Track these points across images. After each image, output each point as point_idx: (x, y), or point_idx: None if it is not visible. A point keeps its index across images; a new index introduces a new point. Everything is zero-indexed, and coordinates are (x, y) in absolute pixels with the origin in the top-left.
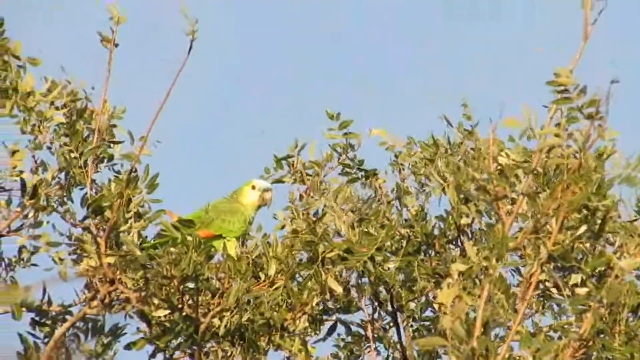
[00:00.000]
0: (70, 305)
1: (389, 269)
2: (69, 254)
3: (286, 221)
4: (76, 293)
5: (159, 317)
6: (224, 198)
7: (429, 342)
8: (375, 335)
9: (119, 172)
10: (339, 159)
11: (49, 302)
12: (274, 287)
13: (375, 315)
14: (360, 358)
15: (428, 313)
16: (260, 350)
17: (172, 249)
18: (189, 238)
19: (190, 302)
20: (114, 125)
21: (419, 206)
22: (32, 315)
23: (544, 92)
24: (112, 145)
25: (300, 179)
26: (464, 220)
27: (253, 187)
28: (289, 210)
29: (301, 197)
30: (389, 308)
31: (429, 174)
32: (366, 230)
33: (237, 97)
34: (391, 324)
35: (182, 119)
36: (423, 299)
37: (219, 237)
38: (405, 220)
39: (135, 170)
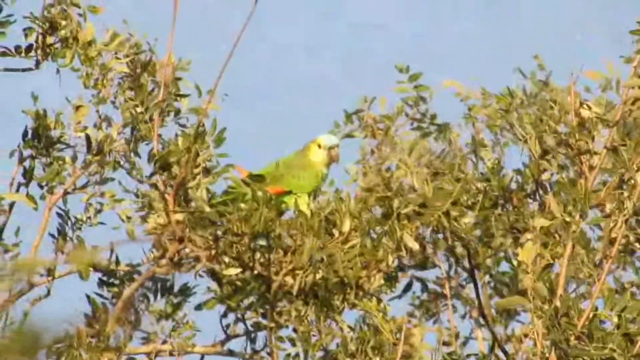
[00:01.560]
0: (138, 265)
1: (465, 224)
2: (136, 212)
3: (357, 176)
4: (144, 252)
5: (230, 275)
6: (293, 154)
7: (509, 302)
8: (452, 292)
9: (184, 126)
10: (407, 115)
11: (117, 262)
12: (348, 245)
13: (452, 272)
14: (437, 316)
15: (504, 267)
16: (334, 309)
17: (242, 205)
18: (259, 194)
19: (261, 260)
20: (179, 78)
21: (496, 159)
22: (100, 275)
23: (619, 49)
24: (178, 98)
25: (371, 134)
26: (545, 176)
27: (319, 146)
28: (360, 164)
29: (372, 151)
30: (466, 265)
31: (506, 125)
32: (441, 185)
33: (301, 56)
34: (467, 281)
35: (248, 75)
36: (500, 254)
37: (290, 193)
38: (482, 173)
39: (203, 125)
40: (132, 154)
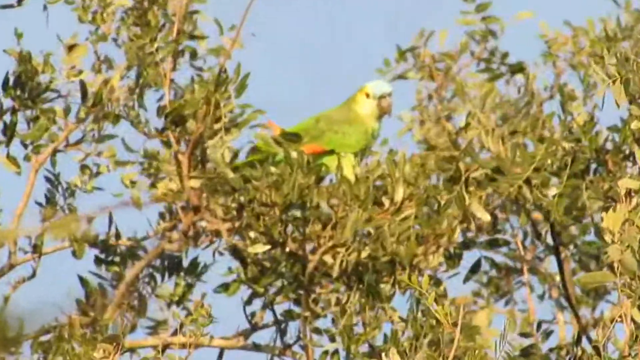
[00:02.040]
0: (144, 238)
1: (546, 195)
2: (142, 175)
3: (413, 125)
4: (150, 223)
5: (256, 253)
6: (337, 107)
7: (593, 278)
8: (528, 267)
9: (201, 69)
10: (472, 53)
11: (117, 235)
12: (401, 216)
13: (527, 242)
14: (509, 295)
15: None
16: (382, 297)
17: (272, 169)
18: (294, 155)
19: (295, 235)
20: (196, 12)
21: (588, 114)
22: (96, 251)
23: None
24: (195, 38)
25: (428, 75)
26: (634, 125)
27: (367, 95)
28: (416, 112)
29: (430, 96)
30: (549, 242)
31: (593, 67)
32: (521, 144)
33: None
34: (546, 253)
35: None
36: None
37: (332, 153)
38: (570, 131)
39: (225, 70)
40: (137, 105)
